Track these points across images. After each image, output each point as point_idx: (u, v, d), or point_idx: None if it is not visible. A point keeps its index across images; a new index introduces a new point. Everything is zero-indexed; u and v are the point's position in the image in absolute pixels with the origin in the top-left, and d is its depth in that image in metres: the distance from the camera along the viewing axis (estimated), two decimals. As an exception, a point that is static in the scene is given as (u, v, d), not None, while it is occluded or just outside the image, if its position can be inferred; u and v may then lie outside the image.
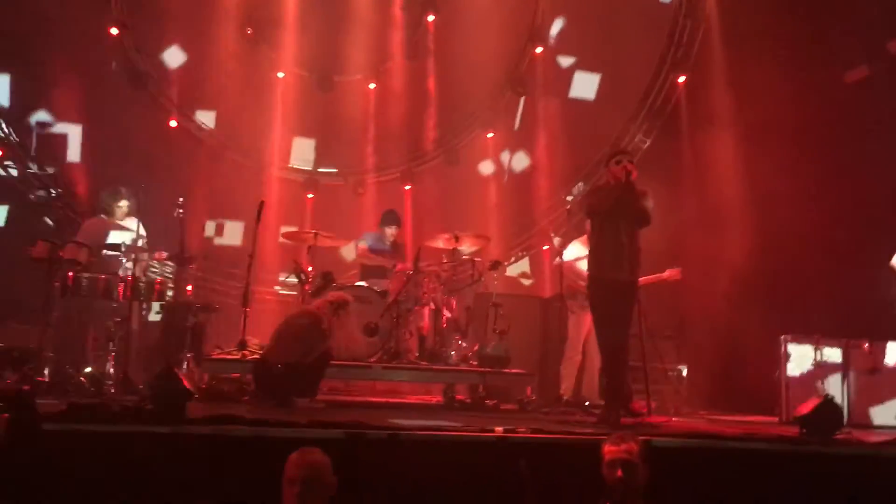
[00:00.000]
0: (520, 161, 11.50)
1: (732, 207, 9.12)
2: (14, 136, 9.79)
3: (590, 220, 6.64)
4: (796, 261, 8.57)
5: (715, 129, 9.62)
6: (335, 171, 11.02)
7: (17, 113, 9.89)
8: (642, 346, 6.55)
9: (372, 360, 7.78)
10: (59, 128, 10.15)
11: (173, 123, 10.33)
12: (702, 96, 10.13)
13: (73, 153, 10.19)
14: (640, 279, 7.78)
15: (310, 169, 10.92)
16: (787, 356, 7.72)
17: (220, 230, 10.56)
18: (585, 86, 11.04)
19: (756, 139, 8.99)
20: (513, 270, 11.15)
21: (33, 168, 9.82)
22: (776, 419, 7.59)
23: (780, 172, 8.55)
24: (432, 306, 8.32)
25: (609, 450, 3.85)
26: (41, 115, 10.05)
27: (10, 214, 9.72)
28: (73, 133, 10.20)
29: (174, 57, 10.49)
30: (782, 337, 7.79)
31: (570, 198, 10.66)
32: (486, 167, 11.38)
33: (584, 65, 10.80)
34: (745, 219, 8.98)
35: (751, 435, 5.31)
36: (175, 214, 7.39)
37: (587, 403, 7.36)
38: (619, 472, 3.75)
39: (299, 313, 7.24)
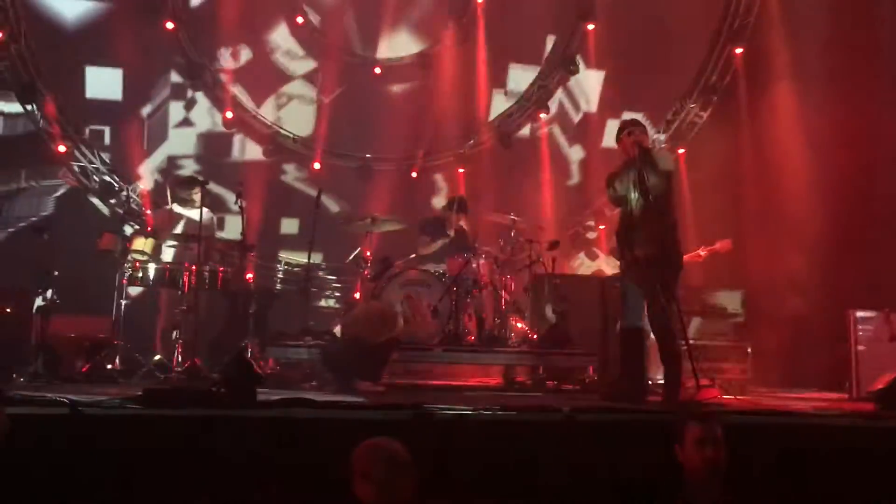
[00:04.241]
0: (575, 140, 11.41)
1: (795, 180, 8.90)
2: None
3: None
4: (864, 232, 8.33)
5: (774, 100, 9.39)
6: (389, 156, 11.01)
7: (129, 106, 10.21)
8: (682, 323, 6.39)
9: (432, 343, 7.80)
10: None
11: (229, 115, 10.45)
12: (760, 67, 9.88)
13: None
14: (692, 255, 7.69)
15: (363, 155, 10.93)
16: (856, 331, 7.52)
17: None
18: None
19: (819, 109, 8.73)
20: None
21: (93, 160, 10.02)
22: (846, 396, 7.41)
23: (845, 143, 8.31)
24: (491, 288, 8.31)
25: (694, 429, 3.75)
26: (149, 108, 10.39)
27: (76, 208, 9.99)
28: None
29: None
30: (851, 311, 7.59)
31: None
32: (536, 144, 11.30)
33: (637, 38, 10.55)
34: (809, 191, 8.75)
35: (824, 411, 5.20)
36: (235, 203, 7.50)
37: (650, 383, 7.28)
38: (709, 452, 3.66)
39: (375, 297, 7.32)
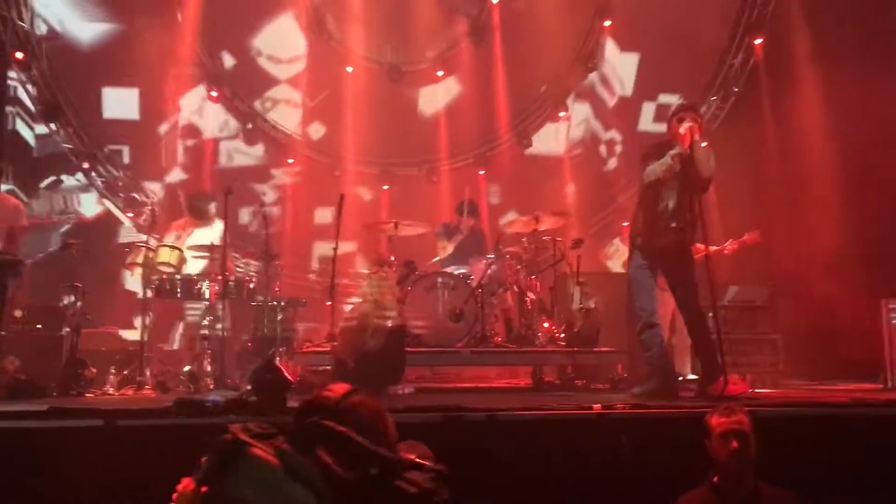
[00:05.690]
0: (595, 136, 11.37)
1: (821, 166, 8.78)
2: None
3: (640, 186, 6.20)
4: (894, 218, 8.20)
5: (797, 87, 9.27)
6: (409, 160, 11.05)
7: (146, 125, 10.39)
8: (716, 318, 6.28)
9: (459, 345, 7.78)
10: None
11: (249, 126, 10.54)
12: (781, 55, 9.78)
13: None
14: (720, 247, 7.58)
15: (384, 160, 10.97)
16: (890, 320, 7.40)
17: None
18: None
19: (844, 93, 8.59)
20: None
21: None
22: (880, 386, 7.30)
23: (872, 126, 8.17)
24: (516, 289, 8.28)
25: (719, 422, 3.73)
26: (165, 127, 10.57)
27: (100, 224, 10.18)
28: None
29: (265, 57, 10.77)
30: (884, 300, 7.47)
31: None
32: (561, 146, 11.27)
33: (658, 29, 10.45)
34: (835, 178, 8.63)
35: (859, 401, 5.11)
36: (259, 213, 7.55)
37: (680, 378, 7.21)
38: (735, 444, 3.63)
39: (400, 301, 7.27)
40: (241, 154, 10.83)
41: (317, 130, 11.04)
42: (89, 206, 10.29)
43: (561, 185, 11.03)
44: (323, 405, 2.14)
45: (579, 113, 11.30)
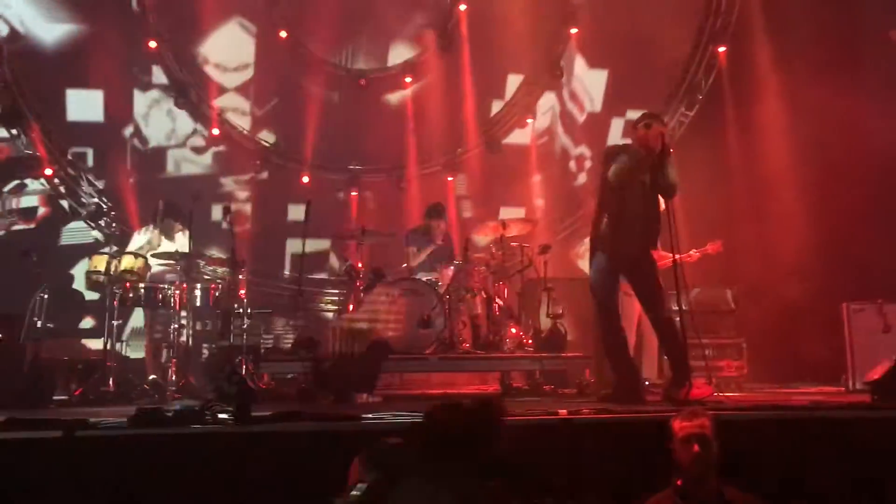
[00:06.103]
0: (563, 142, 11.44)
1: (784, 172, 8.93)
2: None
3: (603, 189, 6.09)
4: (856, 224, 8.36)
5: (760, 96, 9.42)
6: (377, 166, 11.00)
7: (110, 128, 10.17)
8: (682, 322, 6.32)
9: (427, 351, 7.77)
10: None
11: (216, 131, 10.43)
12: (744, 64, 9.93)
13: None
14: (684, 256, 7.67)
15: (352, 166, 10.92)
16: (850, 323, 7.52)
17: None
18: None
19: (805, 103, 8.76)
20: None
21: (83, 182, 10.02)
22: (842, 388, 7.42)
23: (833, 135, 8.34)
24: (483, 295, 8.29)
25: (681, 426, 3.76)
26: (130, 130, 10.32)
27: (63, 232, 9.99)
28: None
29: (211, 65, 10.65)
30: (844, 303, 7.60)
31: None
32: (528, 152, 11.31)
33: (624, 44, 10.54)
34: (799, 185, 8.78)
35: (820, 404, 5.19)
36: (224, 220, 7.48)
37: (647, 383, 7.26)
38: (696, 448, 3.66)
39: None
40: (189, 162, 10.63)
41: (267, 138, 10.92)
42: (30, 207, 10.05)
43: (529, 189, 11.06)
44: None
45: (545, 103, 11.32)
